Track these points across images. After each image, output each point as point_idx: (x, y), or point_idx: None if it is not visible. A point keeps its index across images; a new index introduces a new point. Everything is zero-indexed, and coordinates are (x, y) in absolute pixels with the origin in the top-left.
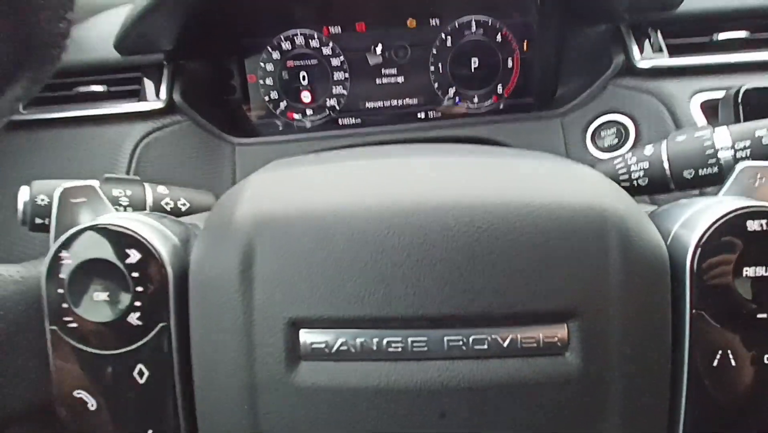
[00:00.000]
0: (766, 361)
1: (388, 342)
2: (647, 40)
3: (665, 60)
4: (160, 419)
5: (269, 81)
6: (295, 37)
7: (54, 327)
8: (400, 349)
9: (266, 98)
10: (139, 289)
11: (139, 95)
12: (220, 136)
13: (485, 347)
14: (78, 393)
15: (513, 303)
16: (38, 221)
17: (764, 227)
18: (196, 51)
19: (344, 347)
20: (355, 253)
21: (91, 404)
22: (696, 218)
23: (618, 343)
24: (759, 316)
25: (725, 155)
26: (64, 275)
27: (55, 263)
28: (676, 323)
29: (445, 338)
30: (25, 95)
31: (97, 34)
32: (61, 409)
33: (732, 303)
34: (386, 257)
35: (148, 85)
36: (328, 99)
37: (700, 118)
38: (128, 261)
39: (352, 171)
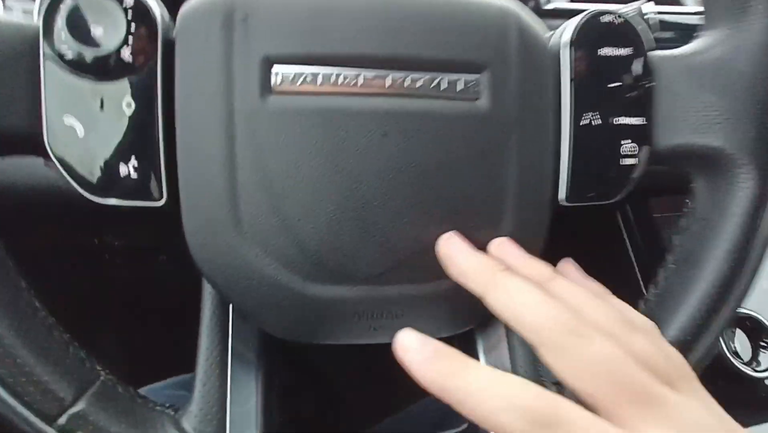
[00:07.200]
0: (613, 122)
1: (344, 77)
2: None
3: None
4: (144, 147)
5: None
6: None
7: (49, 57)
8: (353, 82)
9: None
10: (133, 26)
11: None
12: None
13: (420, 84)
14: (68, 121)
15: (441, 51)
16: None
17: (612, 20)
18: None
19: (309, 80)
20: (316, 2)
21: (80, 131)
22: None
23: (516, 94)
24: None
25: None
26: (63, 11)
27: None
28: (560, 91)
29: (390, 76)
30: None
31: None
32: (51, 136)
33: (595, 74)
34: (341, 6)
35: None
36: None
37: None
38: (124, 3)
39: None
